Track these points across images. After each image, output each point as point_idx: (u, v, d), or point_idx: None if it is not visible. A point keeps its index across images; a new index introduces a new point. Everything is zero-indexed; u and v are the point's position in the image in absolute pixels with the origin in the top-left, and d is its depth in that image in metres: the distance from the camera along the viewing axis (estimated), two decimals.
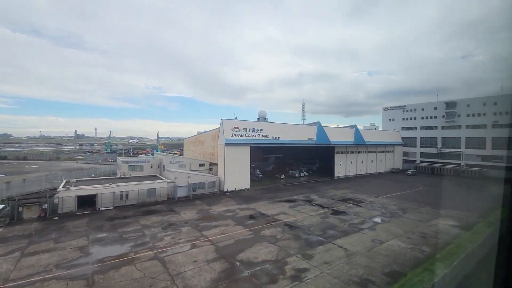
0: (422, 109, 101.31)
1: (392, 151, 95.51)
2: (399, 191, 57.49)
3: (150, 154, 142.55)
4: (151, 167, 56.44)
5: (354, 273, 21.75)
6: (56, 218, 36.81)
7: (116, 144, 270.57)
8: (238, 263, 23.40)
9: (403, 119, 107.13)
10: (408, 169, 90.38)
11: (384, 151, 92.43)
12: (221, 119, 54.31)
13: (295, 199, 48.28)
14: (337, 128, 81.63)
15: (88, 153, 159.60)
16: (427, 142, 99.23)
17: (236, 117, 58.50)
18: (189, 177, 49.39)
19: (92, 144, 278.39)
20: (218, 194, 51.79)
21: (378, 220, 36.32)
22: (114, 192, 41.71)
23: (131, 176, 52.00)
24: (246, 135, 56.51)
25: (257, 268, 22.47)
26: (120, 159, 57.22)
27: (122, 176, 51.11)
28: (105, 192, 41.04)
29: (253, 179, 68.39)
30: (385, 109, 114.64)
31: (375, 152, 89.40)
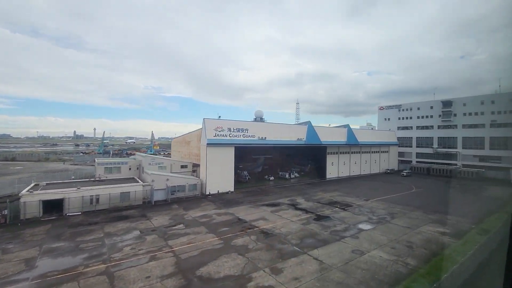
0: (418, 109, 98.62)
1: (387, 151, 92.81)
2: (391, 193, 54.82)
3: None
4: (130, 169, 53.75)
5: None
6: (19, 224, 34.17)
7: (113, 145, 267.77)
8: (196, 280, 20.72)
9: (399, 118, 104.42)
10: (404, 170, 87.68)
11: (378, 152, 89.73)
12: (203, 119, 51.66)
13: (279, 203, 45.61)
14: (328, 127, 78.97)
15: (81, 154, 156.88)
16: (423, 142, 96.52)
17: (220, 116, 56.01)
18: (167, 179, 46.71)
19: (88, 145, 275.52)
20: (199, 198, 49.11)
21: (363, 226, 33.62)
22: (83, 196, 39.02)
23: (107, 178, 49.29)
24: (230, 135, 53.81)
25: (216, 286, 19.78)
26: (97, 160, 54.52)
27: (97, 179, 48.39)
28: (73, 196, 38.34)
29: (240, 180, 65.81)
30: (381, 108, 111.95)
31: (369, 152, 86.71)
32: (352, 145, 79.43)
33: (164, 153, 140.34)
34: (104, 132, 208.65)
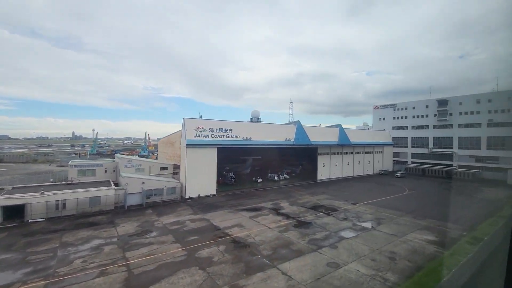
0: (413, 108, 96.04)
1: (381, 152, 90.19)
2: (382, 196, 52.21)
3: (135, 155, 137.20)
4: (105, 171, 51.07)
5: None
6: None
7: (109, 146, 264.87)
8: None
9: (394, 118, 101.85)
10: (398, 170, 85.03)
11: (372, 152, 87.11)
12: (183, 118, 49.01)
13: (261, 207, 42.97)
14: (319, 127, 76.37)
15: (73, 155, 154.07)
16: (419, 142, 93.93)
17: (201, 116, 53.33)
18: (143, 182, 44.06)
19: (83, 146, 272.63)
20: (178, 202, 46.45)
21: (345, 234, 30.98)
22: (47, 202, 36.34)
23: (80, 182, 46.60)
24: (213, 135, 51.17)
25: None
26: (70, 162, 51.82)
27: (69, 182, 45.71)
28: (36, 201, 35.65)
29: (226, 183, 63.25)
30: (376, 107, 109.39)
31: (362, 153, 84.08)
32: (344, 146, 76.84)
33: (154, 154, 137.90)
34: (97, 133, 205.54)
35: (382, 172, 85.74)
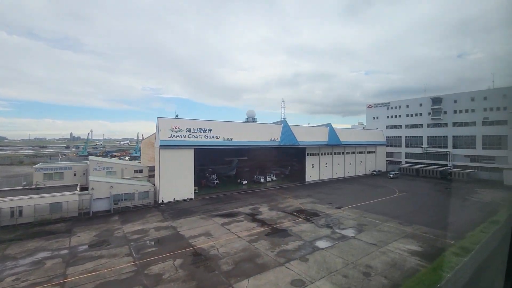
0: (407, 106, 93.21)
1: (374, 152, 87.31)
2: (370, 199, 49.33)
3: (122, 157, 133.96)
4: (75, 174, 48.05)
5: None
6: None
7: (104, 146, 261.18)
8: None
9: (388, 117, 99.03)
10: (391, 171, 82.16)
11: (364, 152, 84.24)
12: (157, 118, 46.06)
13: (238, 213, 40.04)
14: (308, 127, 73.42)
15: (64, 156, 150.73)
16: (413, 141, 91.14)
17: (177, 115, 50.29)
18: (111, 187, 41.05)
19: (78, 147, 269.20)
20: (150, 207, 43.48)
21: (320, 244, 28.05)
22: (0, 209, 33.30)
23: (45, 186, 43.59)
24: (190, 136, 48.22)
25: None
26: (36, 165, 48.72)
27: (33, 187, 42.67)
28: None
29: (208, 185, 60.35)
30: (369, 106, 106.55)
31: (354, 153, 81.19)
32: (334, 146, 73.95)
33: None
34: (88, 133, 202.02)
35: (375, 172, 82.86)
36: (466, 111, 77.92)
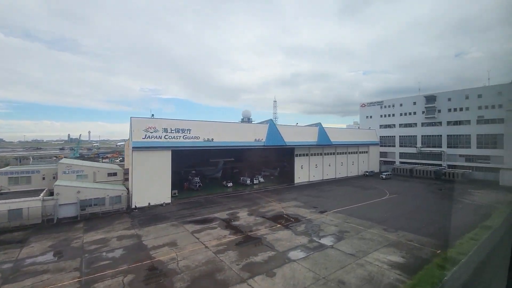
0: (401, 105, 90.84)
1: (367, 152, 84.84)
2: (358, 202, 46.84)
3: (114, 159, 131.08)
4: (43, 178, 45.28)
5: None
6: None
7: (99, 148, 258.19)
8: None
9: (381, 116, 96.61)
10: (383, 172, 79.68)
11: (356, 152, 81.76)
12: (130, 118, 43.45)
13: (214, 218, 37.45)
14: (296, 126, 70.86)
15: (54, 158, 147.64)
16: (407, 141, 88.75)
17: (153, 115, 47.68)
18: (78, 191, 38.39)
19: (72, 148, 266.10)
20: (122, 212, 40.85)
21: (293, 255, 25.48)
22: None
23: (10, 191, 40.88)
24: (167, 136, 45.61)
25: None
26: (2, 169, 45.91)
27: None
28: None
29: (191, 188, 57.74)
30: (362, 105, 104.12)
31: (345, 153, 78.68)
32: (324, 146, 71.44)
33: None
34: (80, 135, 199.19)
35: (367, 173, 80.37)
36: (461, 109, 75.59)
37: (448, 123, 78.11)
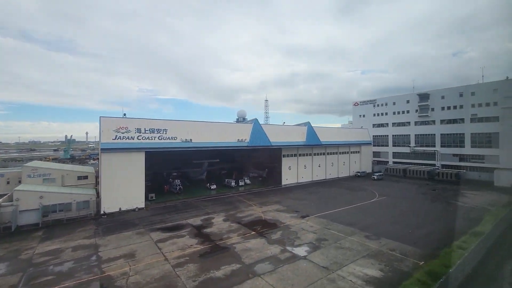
0: (394, 103, 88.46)
1: (358, 152, 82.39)
2: (344, 205, 44.34)
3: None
4: (8, 182, 42.51)
5: None
6: None
7: (93, 149, 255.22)
8: None
9: (374, 115, 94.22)
10: (375, 172, 77.24)
11: (348, 152, 79.29)
12: (100, 117, 40.73)
13: (185, 225, 34.84)
14: (282, 126, 68.37)
15: (45, 159, 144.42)
16: (400, 140, 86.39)
17: (125, 114, 45.07)
18: (41, 197, 35.65)
19: (66, 150, 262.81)
20: (89, 219, 38.13)
21: (260, 268, 22.89)
22: None
23: None
24: (140, 137, 42.95)
25: None
26: None
27: None
28: None
29: (171, 191, 55.09)
30: (355, 104, 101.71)
31: (336, 153, 76.20)
32: (314, 146, 68.92)
33: None
34: (71, 135, 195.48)
35: (359, 174, 77.89)
36: (454, 107, 73.28)
37: (442, 121, 75.80)
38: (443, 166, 74.28)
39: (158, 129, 44.90)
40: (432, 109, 77.74)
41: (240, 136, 54.30)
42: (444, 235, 30.13)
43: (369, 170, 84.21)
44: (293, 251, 26.14)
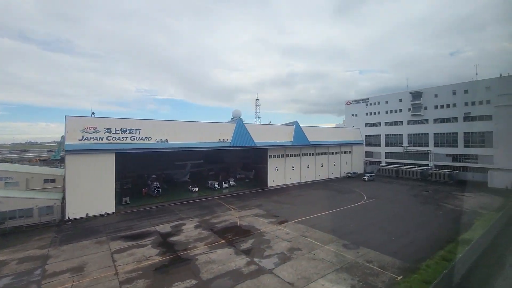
0: (386, 102, 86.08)
1: (350, 152, 80.00)
2: (329, 208, 41.95)
3: None
4: None
5: None
6: None
7: None
8: None
9: (367, 114, 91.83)
10: (366, 173, 74.84)
11: (338, 152, 76.89)
12: (65, 116, 38.09)
13: (152, 232, 32.26)
14: (269, 126, 65.84)
15: (34, 161, 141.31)
16: (393, 140, 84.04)
17: (93, 113, 42.34)
18: None
19: (57, 151, 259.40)
20: (52, 225, 35.49)
21: (217, 284, 20.36)
22: None
23: None
24: (110, 137, 40.33)
25: None
26: None
27: None
28: None
29: (150, 194, 52.48)
30: (348, 103, 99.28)
31: (326, 154, 73.77)
32: (302, 146, 66.45)
33: None
34: (62, 136, 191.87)
35: (350, 175, 75.50)
36: (448, 106, 70.96)
37: (435, 120, 73.50)
38: (436, 166, 72.01)
39: (131, 129, 42.29)
40: (425, 108, 75.43)
41: (221, 136, 51.76)
42: (430, 244, 27.73)
43: (361, 170, 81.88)
44: (260, 264, 23.61)
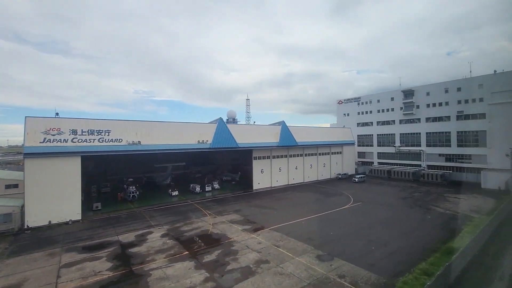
0: (378, 101, 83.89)
1: (340, 152, 77.59)
2: (312, 213, 39.59)
3: None
4: None
5: None
6: None
7: None
8: None
9: (358, 113, 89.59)
10: (356, 174, 72.46)
11: (328, 153, 74.48)
12: (25, 117, 35.47)
13: (112, 243, 29.67)
14: (253, 126, 63.46)
15: (20, 164, 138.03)
16: (385, 139, 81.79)
17: (57, 114, 39.82)
18: None
19: None
20: (9, 234, 32.86)
21: None
22: None
23: None
24: (76, 139, 37.74)
25: None
26: None
27: None
28: None
29: (125, 199, 49.89)
30: (339, 102, 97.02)
31: (315, 154, 71.36)
32: (289, 147, 64.02)
33: None
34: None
35: (340, 176, 73.09)
36: (440, 104, 68.77)
37: (427, 119, 71.31)
38: (429, 166, 69.78)
39: (99, 130, 39.69)
40: (417, 106, 73.24)
41: (201, 137, 49.24)
42: (412, 254, 25.30)
43: (352, 171, 79.49)
44: (218, 280, 21.08)
